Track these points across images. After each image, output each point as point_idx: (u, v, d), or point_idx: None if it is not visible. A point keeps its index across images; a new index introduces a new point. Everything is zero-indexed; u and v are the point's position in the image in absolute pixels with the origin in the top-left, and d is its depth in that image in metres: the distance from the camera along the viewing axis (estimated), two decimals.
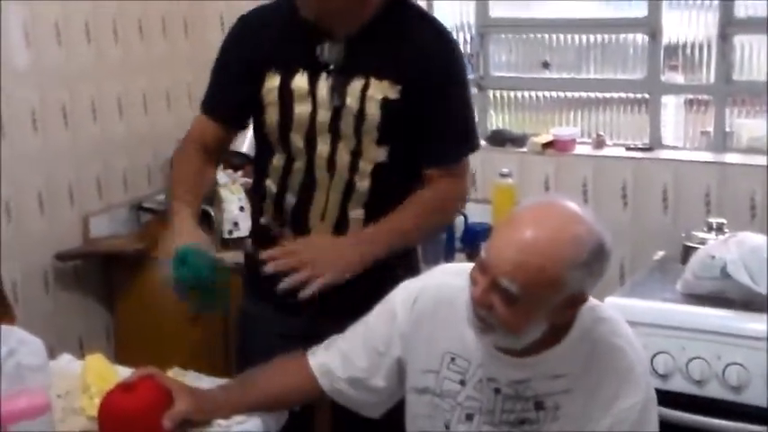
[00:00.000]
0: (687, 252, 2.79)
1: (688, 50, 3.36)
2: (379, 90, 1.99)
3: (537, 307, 1.54)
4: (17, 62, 3.22)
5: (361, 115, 2.00)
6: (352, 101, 2.00)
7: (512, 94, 3.69)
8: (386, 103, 1.99)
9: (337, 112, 2.01)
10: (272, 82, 2.04)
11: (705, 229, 2.88)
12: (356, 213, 2.07)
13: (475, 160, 3.45)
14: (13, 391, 1.71)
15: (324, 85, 2.01)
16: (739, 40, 3.26)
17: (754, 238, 2.59)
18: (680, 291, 2.65)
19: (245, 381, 1.86)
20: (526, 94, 3.68)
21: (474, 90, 3.67)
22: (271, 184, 2.13)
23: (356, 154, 2.03)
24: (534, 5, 3.61)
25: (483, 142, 3.55)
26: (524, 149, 3.49)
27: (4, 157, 3.16)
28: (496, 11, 3.63)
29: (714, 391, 2.44)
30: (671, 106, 3.47)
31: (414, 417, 1.78)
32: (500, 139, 3.56)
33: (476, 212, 3.29)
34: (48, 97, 3.35)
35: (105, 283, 3.61)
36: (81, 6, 3.43)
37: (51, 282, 3.41)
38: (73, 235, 3.48)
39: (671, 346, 2.48)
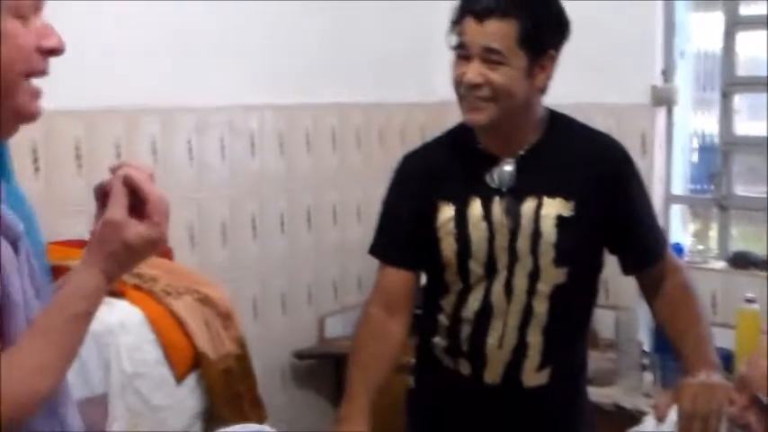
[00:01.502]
0: None
1: None
2: (553, 208, 1.98)
3: None
4: (272, 169, 3.46)
5: (536, 235, 1.98)
6: (526, 221, 1.98)
7: (756, 214, 3.56)
8: (560, 221, 1.98)
9: (513, 235, 1.99)
10: (447, 213, 2.03)
11: None
12: (535, 338, 2.04)
13: (715, 283, 3.42)
14: None
15: (498, 209, 2.00)
16: None
17: None
18: None
19: None
20: None
21: (715, 209, 3.59)
22: (443, 319, 2.09)
23: (534, 276, 2.00)
24: None
25: (724, 264, 3.48)
26: None
27: (256, 257, 3.39)
28: (741, 127, 3.55)
29: None
30: None
31: None
32: (743, 261, 3.43)
33: (717, 337, 3.16)
34: (295, 202, 3.56)
35: (337, 383, 3.72)
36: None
37: (288, 379, 3.56)
38: (309, 334, 3.63)
39: None
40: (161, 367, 2.31)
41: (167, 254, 2.74)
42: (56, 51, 1.23)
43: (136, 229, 1.19)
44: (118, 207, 1.19)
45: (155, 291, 2.37)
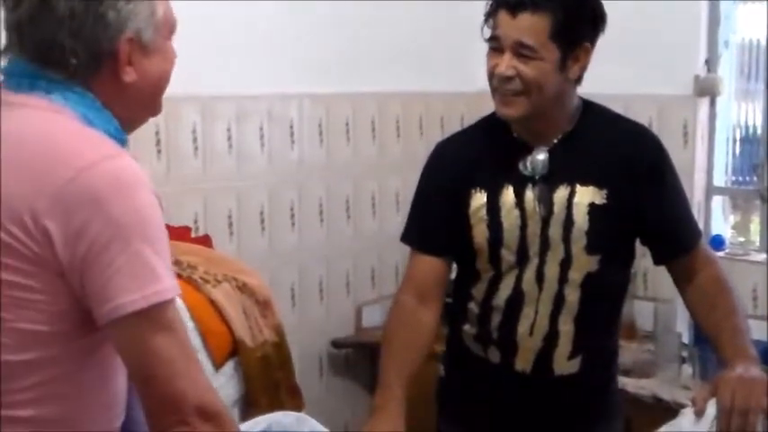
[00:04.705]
0: None
1: None
2: (585, 196, 1.99)
3: None
4: (311, 158, 3.48)
5: (568, 223, 1.99)
6: (558, 209, 1.99)
7: None
8: (593, 209, 1.98)
9: (545, 222, 2.00)
10: (479, 200, 2.04)
11: None
12: (566, 327, 2.04)
13: (756, 275, 3.38)
14: None
15: (530, 197, 2.01)
16: None
17: None
18: None
19: None
20: None
21: (757, 201, 3.54)
22: (474, 307, 2.11)
23: (565, 264, 2.01)
24: None
25: (765, 256, 3.43)
26: None
27: (294, 246, 3.41)
28: None
29: None
30: None
31: None
32: None
33: (757, 330, 3.12)
34: (333, 190, 3.57)
35: (374, 372, 3.72)
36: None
37: (325, 367, 3.58)
38: (347, 323, 3.64)
39: None
40: (199, 354, 2.31)
41: (206, 242, 2.76)
42: None
43: None
44: None
45: (193, 278, 2.38)
